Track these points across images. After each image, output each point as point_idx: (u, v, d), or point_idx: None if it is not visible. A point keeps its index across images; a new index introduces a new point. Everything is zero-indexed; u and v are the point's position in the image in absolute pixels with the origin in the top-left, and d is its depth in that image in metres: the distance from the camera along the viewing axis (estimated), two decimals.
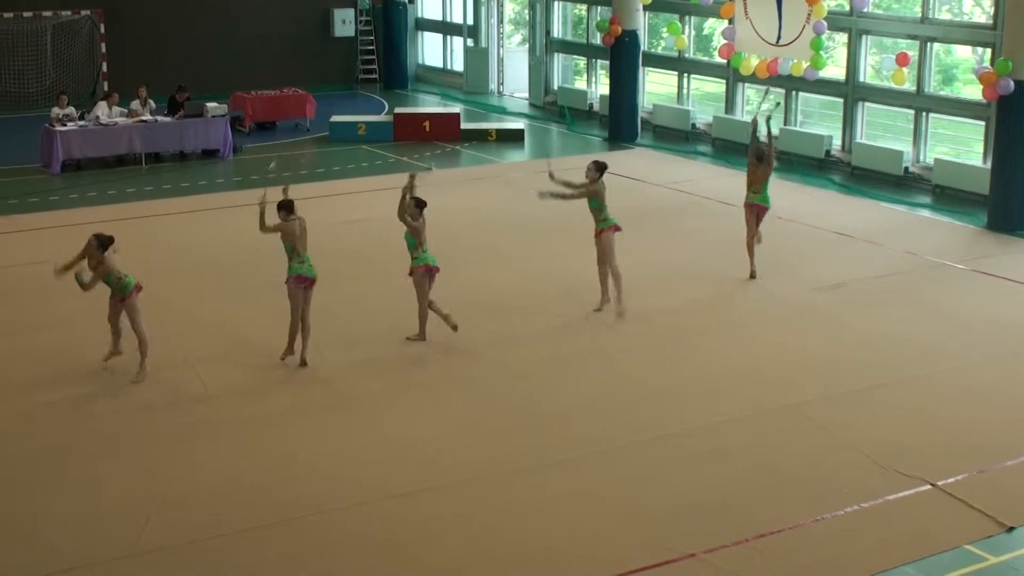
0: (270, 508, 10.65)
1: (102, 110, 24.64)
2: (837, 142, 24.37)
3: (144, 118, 24.68)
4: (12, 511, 10.66)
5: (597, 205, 15.38)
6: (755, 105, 15.25)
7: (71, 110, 24.63)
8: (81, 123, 24.30)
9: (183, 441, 12.05)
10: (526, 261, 17.96)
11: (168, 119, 24.94)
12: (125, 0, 31.36)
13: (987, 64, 20.64)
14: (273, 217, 13.66)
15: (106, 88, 28.90)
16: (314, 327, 13.93)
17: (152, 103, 25.20)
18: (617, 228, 15.36)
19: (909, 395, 13.13)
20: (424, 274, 14.29)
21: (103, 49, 30.78)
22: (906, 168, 22.78)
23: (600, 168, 15.44)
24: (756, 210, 16.80)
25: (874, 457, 11.52)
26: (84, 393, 13.26)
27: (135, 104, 24.97)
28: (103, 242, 13.31)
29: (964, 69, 24.31)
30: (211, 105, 25.26)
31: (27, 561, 9.81)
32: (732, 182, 22.24)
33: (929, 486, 10.99)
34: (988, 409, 12.74)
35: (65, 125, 24.05)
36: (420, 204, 14.22)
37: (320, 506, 10.68)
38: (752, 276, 16.85)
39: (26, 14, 30.04)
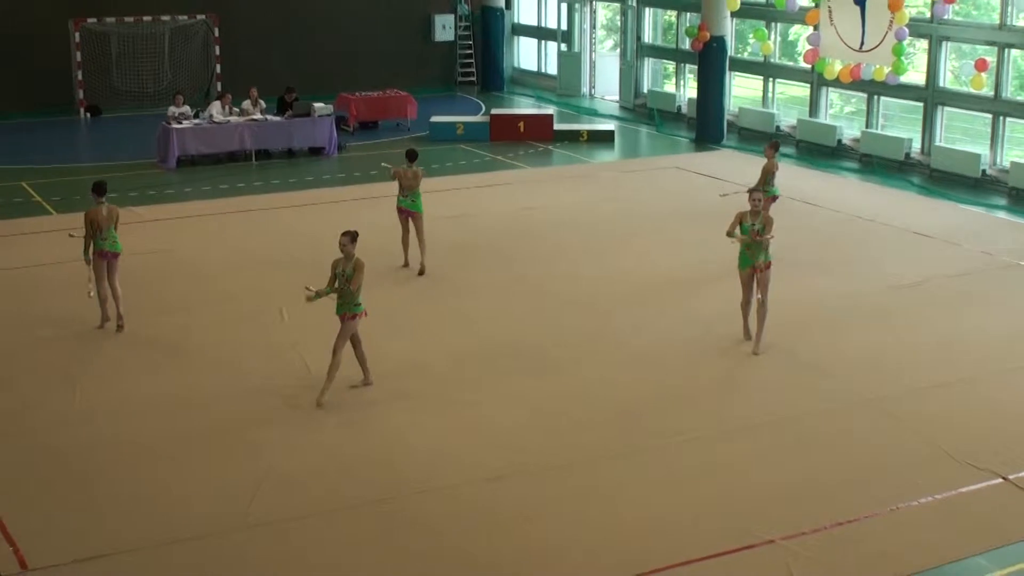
0: (370, 487, 10.96)
1: (216, 109, 25.61)
2: (917, 145, 24.69)
3: (255, 117, 25.62)
4: (128, 486, 11.06)
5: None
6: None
7: (186, 109, 25.53)
8: (196, 121, 25.24)
9: (288, 422, 12.39)
10: (614, 257, 18.24)
11: (277, 118, 25.81)
12: (238, 5, 32.43)
13: None
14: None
15: (219, 89, 29.87)
16: (412, 315, 14.39)
17: (262, 103, 26.10)
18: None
19: (983, 392, 13.24)
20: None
21: (217, 52, 31.84)
22: (983, 171, 23.04)
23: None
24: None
25: (948, 450, 11.68)
26: (196, 377, 13.61)
27: (246, 104, 25.90)
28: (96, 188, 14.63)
29: None
30: (318, 105, 26.09)
31: (140, 532, 10.20)
32: (815, 183, 22.92)
33: (1001, 479, 11.13)
34: None
35: (181, 123, 24.98)
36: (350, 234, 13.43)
37: (418, 486, 10.98)
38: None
39: (146, 18, 31.22)
